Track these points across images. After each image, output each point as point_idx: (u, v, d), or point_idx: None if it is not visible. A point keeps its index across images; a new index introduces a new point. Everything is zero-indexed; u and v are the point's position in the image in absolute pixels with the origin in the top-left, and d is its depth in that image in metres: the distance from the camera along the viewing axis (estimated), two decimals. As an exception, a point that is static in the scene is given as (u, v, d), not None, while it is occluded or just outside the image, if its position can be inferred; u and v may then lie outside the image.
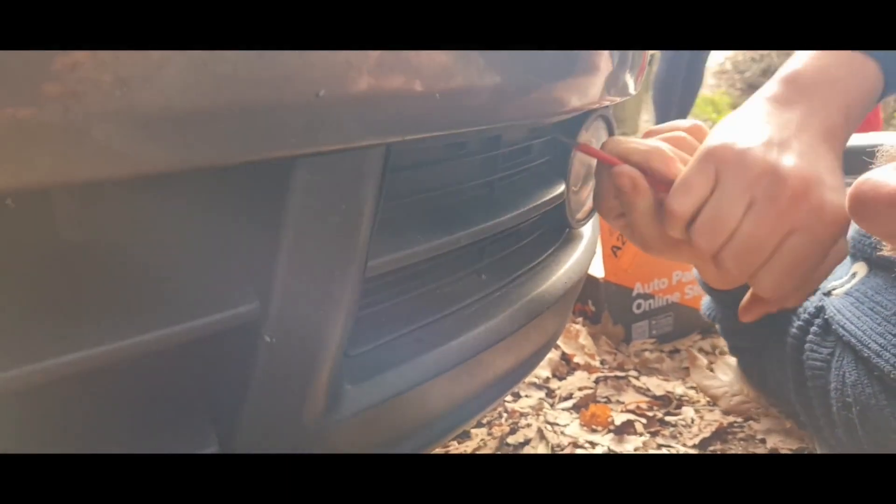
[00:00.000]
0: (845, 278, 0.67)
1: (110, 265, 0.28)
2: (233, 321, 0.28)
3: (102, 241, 0.28)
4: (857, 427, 0.60)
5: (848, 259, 0.69)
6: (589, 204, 0.60)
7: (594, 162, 0.60)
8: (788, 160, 0.45)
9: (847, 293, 0.64)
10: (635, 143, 0.48)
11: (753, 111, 0.49)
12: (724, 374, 0.93)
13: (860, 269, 0.66)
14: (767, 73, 6.25)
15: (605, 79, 0.44)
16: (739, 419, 0.86)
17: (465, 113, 0.32)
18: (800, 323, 0.70)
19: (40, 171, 0.21)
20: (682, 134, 0.51)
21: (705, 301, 0.85)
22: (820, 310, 0.68)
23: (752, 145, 0.44)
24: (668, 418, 0.87)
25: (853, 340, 0.59)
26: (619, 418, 0.84)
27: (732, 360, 0.94)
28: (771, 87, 0.52)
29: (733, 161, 0.44)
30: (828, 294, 0.68)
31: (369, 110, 0.27)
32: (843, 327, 0.61)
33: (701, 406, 0.90)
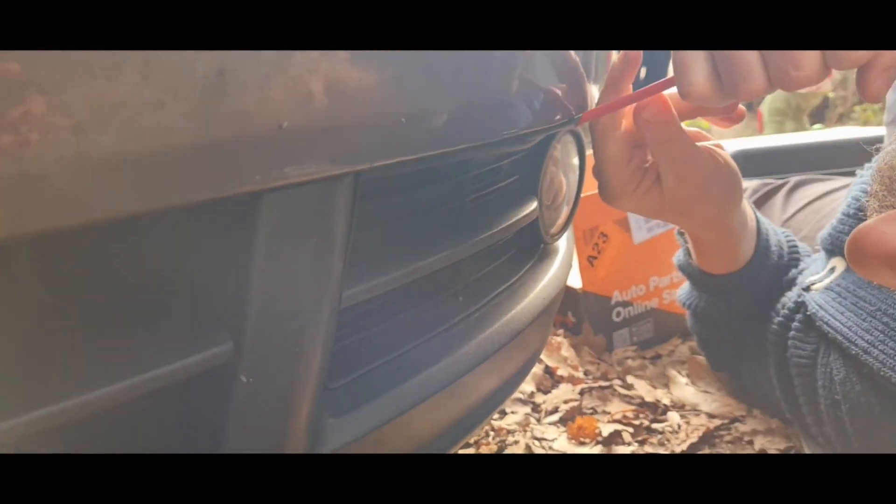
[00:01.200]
0: (823, 272, 0.67)
1: (72, 314, 0.27)
2: (207, 363, 0.27)
3: (64, 288, 0.27)
4: (846, 424, 0.60)
5: (823, 254, 0.70)
6: (562, 218, 0.60)
7: (566, 176, 0.60)
8: None
9: (828, 288, 0.64)
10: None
11: None
12: (703, 382, 0.94)
13: (838, 263, 0.66)
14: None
15: (571, 95, 0.45)
16: (725, 421, 0.86)
17: (432, 135, 0.31)
18: (780, 319, 0.70)
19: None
20: None
21: (683, 288, 0.85)
22: (800, 305, 0.68)
23: None
24: (654, 426, 0.86)
25: (839, 337, 0.59)
26: (607, 429, 0.84)
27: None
28: None
29: None
30: (807, 289, 0.67)
31: (334, 140, 0.26)
32: (827, 323, 0.61)
33: (686, 411, 0.90)
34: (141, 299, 0.28)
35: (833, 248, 0.67)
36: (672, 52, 0.41)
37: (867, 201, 0.54)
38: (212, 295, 0.28)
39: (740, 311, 0.75)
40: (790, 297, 0.71)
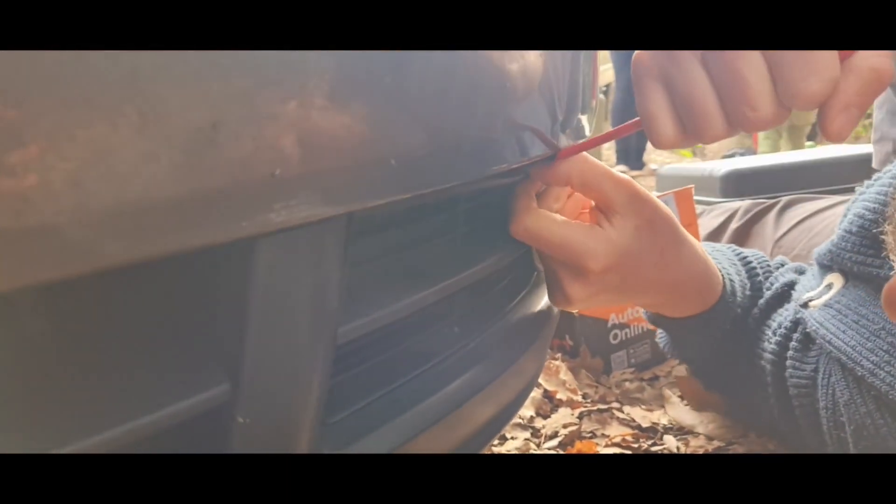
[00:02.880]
0: (819, 289, 0.65)
1: (67, 357, 0.27)
2: (204, 405, 0.27)
3: (58, 332, 0.27)
4: (850, 446, 0.58)
5: (817, 270, 0.68)
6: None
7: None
8: None
9: (827, 305, 0.62)
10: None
11: None
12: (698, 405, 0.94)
13: (835, 280, 0.64)
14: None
15: (559, 124, 0.45)
16: (723, 443, 0.86)
17: (422, 175, 0.32)
18: (777, 338, 0.68)
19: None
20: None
21: (662, 335, 0.82)
22: (797, 323, 0.66)
23: None
24: (654, 448, 0.86)
25: (843, 357, 0.57)
26: (606, 453, 0.84)
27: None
28: None
29: None
30: (804, 306, 0.65)
31: (326, 184, 0.27)
32: (829, 342, 0.59)
33: (684, 433, 0.90)
34: (136, 342, 0.29)
35: (832, 264, 0.64)
36: (637, 104, 0.42)
37: (887, 228, 0.53)
38: (208, 336, 0.29)
39: (724, 340, 0.72)
40: (785, 316, 0.68)
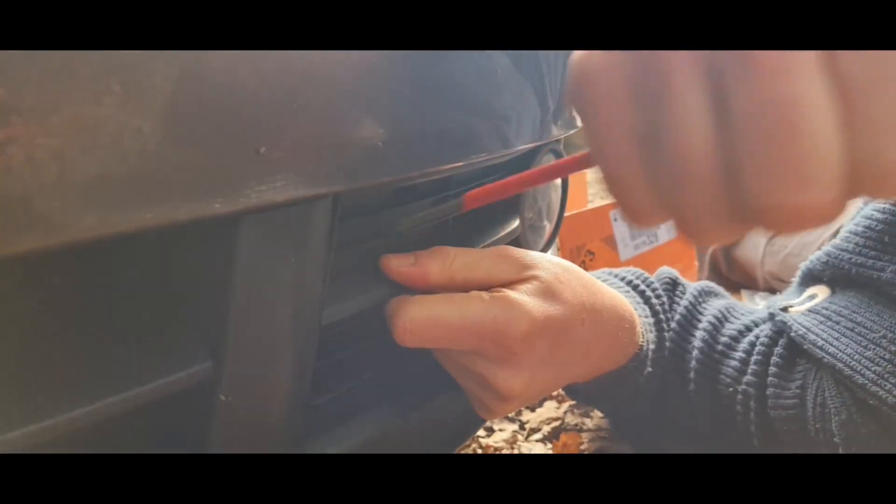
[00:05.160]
0: (801, 298, 0.59)
1: (49, 332, 0.27)
2: (186, 382, 0.27)
3: (42, 307, 0.27)
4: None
5: (795, 284, 0.61)
6: (546, 236, 0.61)
7: (548, 194, 0.61)
8: None
9: (811, 311, 0.56)
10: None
11: None
12: None
13: (820, 291, 0.58)
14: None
15: (551, 113, 0.45)
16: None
17: (409, 157, 0.32)
18: (756, 356, 0.57)
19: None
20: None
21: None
22: (779, 333, 0.57)
23: None
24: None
25: (840, 366, 0.50)
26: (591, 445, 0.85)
27: None
28: None
29: None
30: (784, 310, 0.58)
31: (311, 163, 0.27)
32: (821, 349, 0.52)
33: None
34: (120, 317, 0.29)
35: (825, 269, 0.57)
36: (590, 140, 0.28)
37: None
38: (191, 314, 0.29)
39: (645, 386, 0.59)
40: (754, 332, 0.59)
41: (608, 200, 1.04)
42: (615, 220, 1.03)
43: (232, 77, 0.24)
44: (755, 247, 1.19)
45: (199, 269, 0.29)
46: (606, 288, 0.52)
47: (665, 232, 1.04)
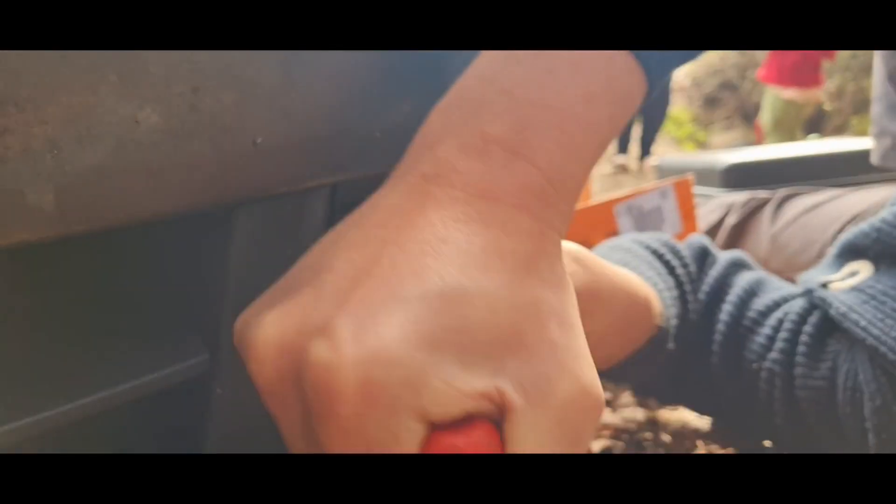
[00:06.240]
0: (841, 273, 0.55)
1: (50, 326, 0.27)
2: (182, 375, 0.27)
3: (41, 301, 0.27)
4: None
5: (832, 257, 0.58)
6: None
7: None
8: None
9: (856, 288, 0.52)
10: None
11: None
12: None
13: (862, 267, 0.54)
14: (725, 86, 6.43)
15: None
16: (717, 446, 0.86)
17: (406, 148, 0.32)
18: (784, 333, 0.54)
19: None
20: None
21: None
22: (809, 310, 0.55)
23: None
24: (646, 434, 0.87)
25: (883, 349, 0.47)
26: (597, 444, 0.84)
27: None
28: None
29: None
30: (824, 286, 0.54)
31: (308, 154, 0.27)
32: (864, 330, 0.48)
33: (674, 429, 0.90)
34: (117, 311, 0.29)
35: (871, 245, 0.53)
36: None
37: None
38: (188, 306, 0.29)
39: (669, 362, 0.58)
40: (785, 308, 0.56)
41: (612, 196, 1.04)
42: (619, 215, 1.02)
43: (229, 66, 0.24)
44: (759, 244, 1.18)
45: (194, 261, 0.28)
46: (613, 271, 0.48)
47: (670, 227, 1.04)
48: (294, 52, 0.26)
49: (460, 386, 0.22)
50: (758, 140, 4.32)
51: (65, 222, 0.23)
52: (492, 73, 0.27)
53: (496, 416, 0.23)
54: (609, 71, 0.27)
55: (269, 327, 0.23)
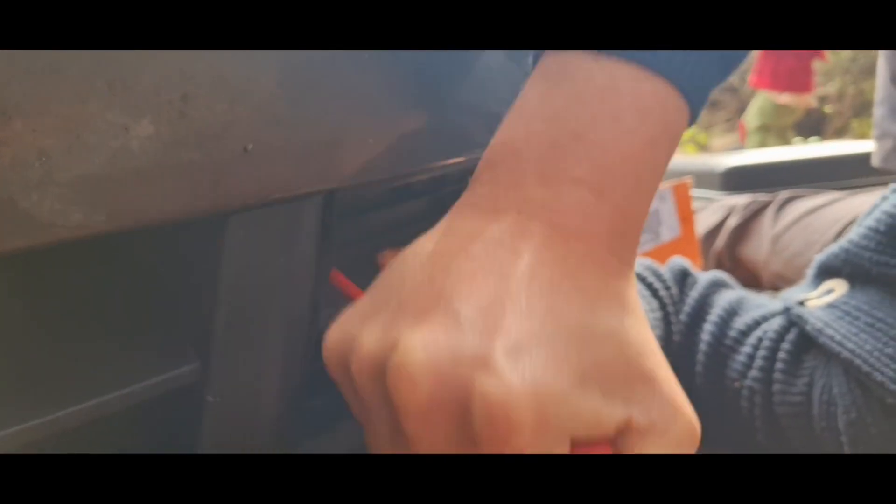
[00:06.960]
0: (818, 291, 0.56)
1: (39, 334, 0.27)
2: (173, 383, 0.27)
3: (29, 309, 0.27)
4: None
5: (810, 277, 0.59)
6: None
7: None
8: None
9: (831, 305, 0.53)
10: None
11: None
12: None
13: (837, 285, 0.56)
14: (726, 89, 6.41)
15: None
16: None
17: (401, 155, 0.32)
18: (763, 352, 0.56)
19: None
20: None
21: None
22: (787, 328, 0.56)
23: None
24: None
25: (857, 362, 0.48)
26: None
27: None
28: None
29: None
30: (801, 304, 0.55)
31: (300, 162, 0.27)
32: (839, 344, 0.49)
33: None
34: (105, 318, 0.28)
35: (843, 265, 0.55)
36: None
37: None
38: (179, 314, 0.29)
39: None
40: (766, 327, 0.56)
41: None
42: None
43: (219, 73, 0.24)
44: (760, 246, 1.18)
45: (185, 269, 0.28)
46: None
47: (668, 230, 1.04)
48: (285, 59, 0.26)
49: (605, 415, 0.26)
50: (741, 140, 4.30)
51: (55, 231, 0.23)
52: (553, 112, 0.28)
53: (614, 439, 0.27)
54: (666, 116, 0.29)
55: (419, 352, 0.25)
